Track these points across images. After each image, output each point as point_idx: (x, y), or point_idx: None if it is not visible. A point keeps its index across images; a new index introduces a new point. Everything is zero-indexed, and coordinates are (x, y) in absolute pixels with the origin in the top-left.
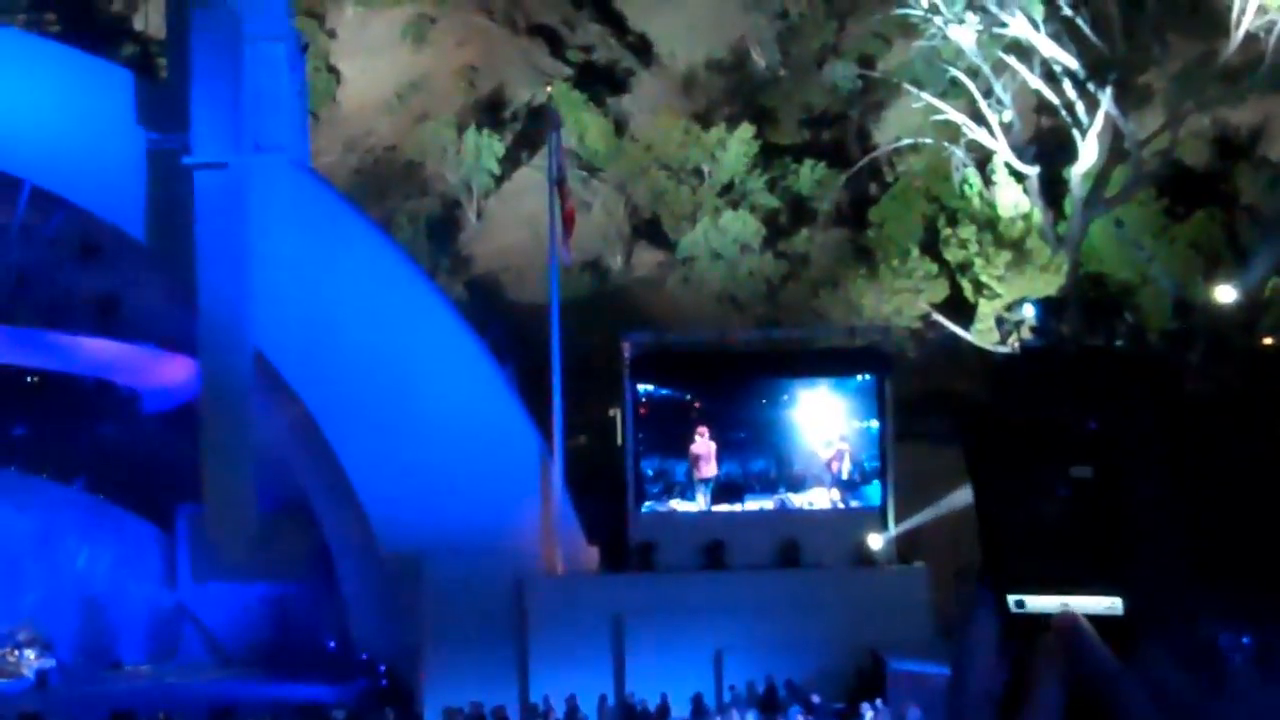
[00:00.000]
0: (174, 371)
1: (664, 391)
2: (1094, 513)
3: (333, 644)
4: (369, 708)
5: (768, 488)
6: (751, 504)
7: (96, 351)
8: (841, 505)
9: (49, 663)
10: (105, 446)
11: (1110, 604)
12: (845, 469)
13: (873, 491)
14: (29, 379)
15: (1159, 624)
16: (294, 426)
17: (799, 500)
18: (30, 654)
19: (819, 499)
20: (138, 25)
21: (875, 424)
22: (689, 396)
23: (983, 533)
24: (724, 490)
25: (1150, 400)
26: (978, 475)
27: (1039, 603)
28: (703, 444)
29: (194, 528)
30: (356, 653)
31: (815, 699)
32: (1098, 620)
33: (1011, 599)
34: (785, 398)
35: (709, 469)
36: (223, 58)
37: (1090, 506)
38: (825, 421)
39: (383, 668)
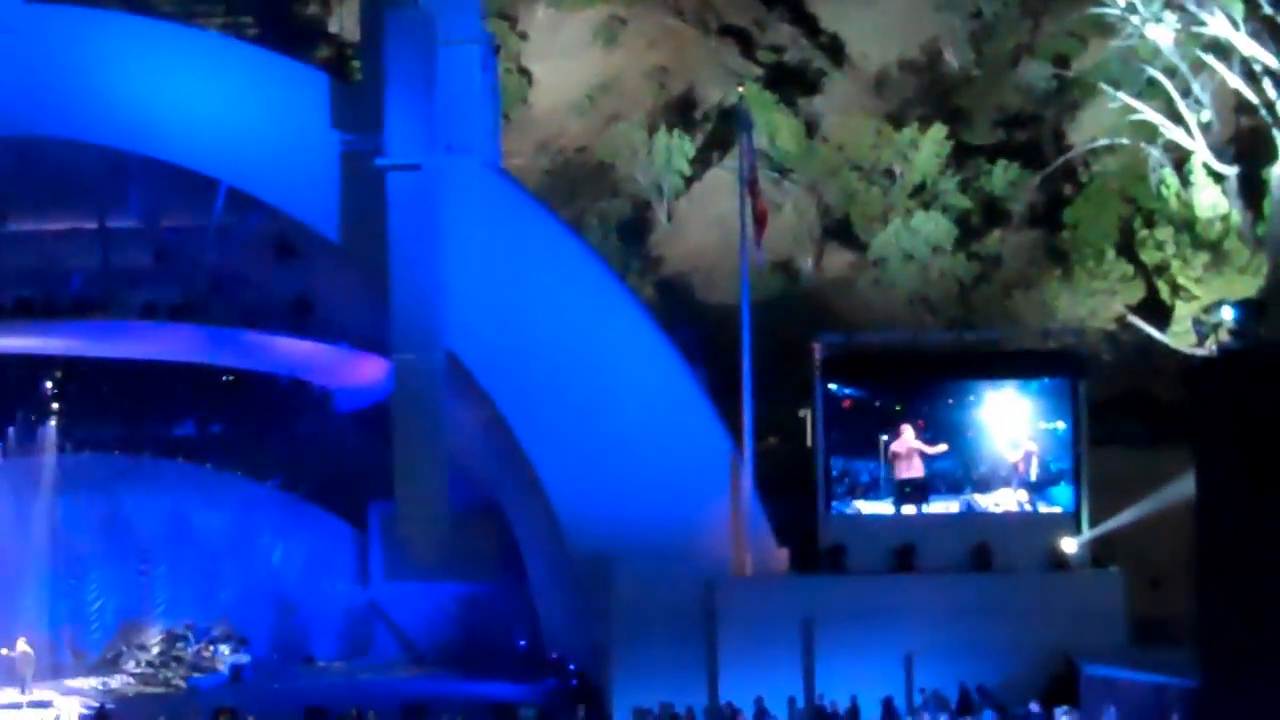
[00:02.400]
0: (367, 371)
1: (857, 392)
2: None
3: (523, 643)
4: (559, 706)
5: (954, 488)
6: (938, 505)
7: (291, 351)
8: (1029, 507)
9: (244, 658)
10: (299, 445)
11: None
12: (1033, 470)
13: (1060, 493)
14: (225, 378)
15: None
16: (485, 426)
17: (985, 501)
18: (225, 649)
19: (1005, 500)
20: (333, 28)
21: (1063, 425)
22: (880, 399)
23: None
24: (911, 491)
25: None
26: None
27: None
28: (903, 443)
29: (386, 526)
30: (546, 652)
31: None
32: None
33: None
34: (973, 399)
35: (909, 469)
36: (416, 60)
37: None
38: (1014, 422)
39: (573, 667)
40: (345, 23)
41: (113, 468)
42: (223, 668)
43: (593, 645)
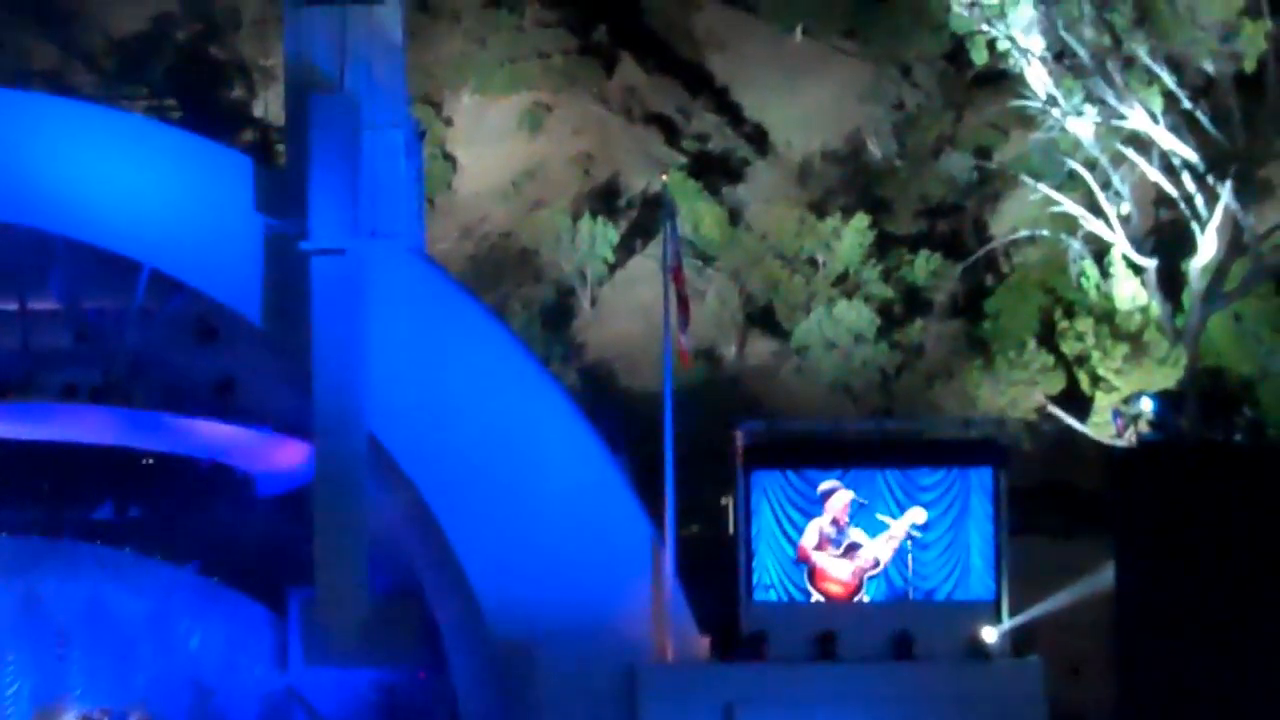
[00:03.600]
0: (288, 455)
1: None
2: None
3: None
4: None
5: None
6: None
7: (212, 434)
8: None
9: None
10: (219, 529)
11: None
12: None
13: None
14: (145, 461)
15: None
16: (407, 512)
17: None
18: None
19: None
20: (257, 112)
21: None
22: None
23: None
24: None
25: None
26: None
27: None
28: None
29: (306, 611)
30: None
31: None
32: None
33: None
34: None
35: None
36: (341, 145)
37: None
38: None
39: None
40: (270, 107)
41: (30, 551)
42: None
43: None
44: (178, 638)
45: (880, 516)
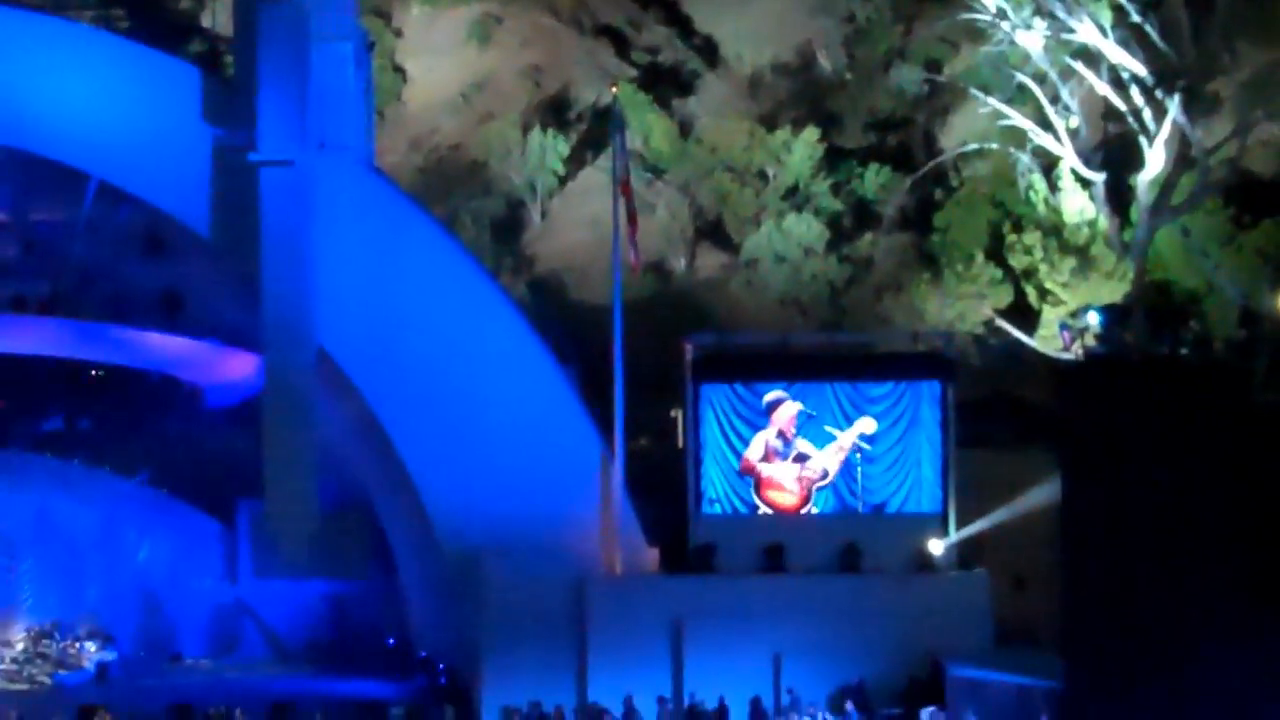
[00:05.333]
0: (237, 367)
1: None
2: None
3: (392, 641)
4: (427, 705)
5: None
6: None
7: (161, 346)
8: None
9: (110, 655)
10: (168, 441)
11: None
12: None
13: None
14: (93, 373)
15: None
16: (356, 424)
17: None
18: (91, 646)
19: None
20: (205, 23)
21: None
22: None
23: None
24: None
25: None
26: None
27: None
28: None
29: (255, 523)
30: (415, 650)
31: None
32: None
33: None
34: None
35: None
36: (289, 56)
37: None
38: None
39: (441, 666)
40: (219, 18)
41: None
42: (88, 665)
43: (462, 644)
44: (127, 549)
45: (828, 428)
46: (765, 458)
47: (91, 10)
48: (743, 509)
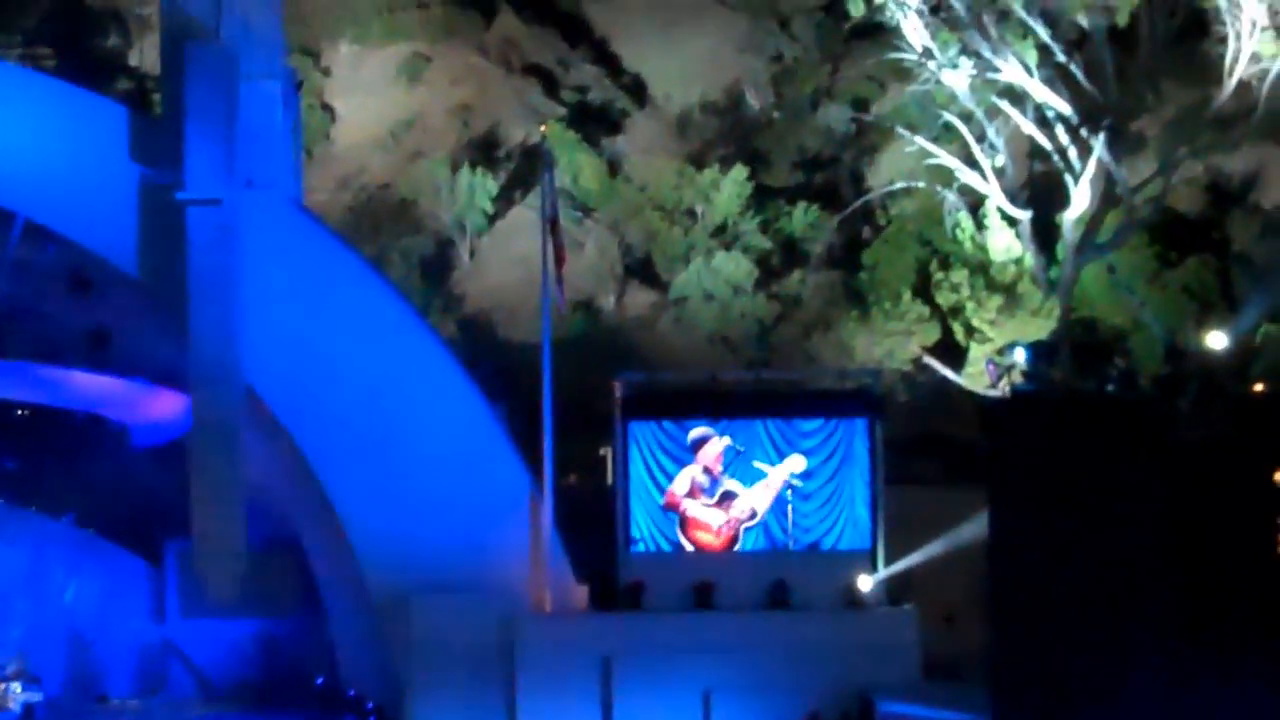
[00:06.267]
0: (164, 406)
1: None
2: None
3: (320, 680)
4: None
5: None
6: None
7: (87, 386)
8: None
9: (36, 696)
10: (95, 481)
11: None
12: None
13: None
14: (19, 413)
15: None
16: (284, 463)
17: None
18: (17, 687)
19: None
20: (133, 61)
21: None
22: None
23: None
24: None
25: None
26: None
27: None
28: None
29: (182, 563)
30: (344, 690)
31: None
32: None
33: None
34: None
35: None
36: (217, 95)
37: None
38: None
39: (370, 705)
40: (146, 56)
41: None
42: (14, 706)
43: (390, 683)
44: (53, 590)
45: (758, 464)
46: (690, 493)
47: (17, 49)
48: (667, 547)
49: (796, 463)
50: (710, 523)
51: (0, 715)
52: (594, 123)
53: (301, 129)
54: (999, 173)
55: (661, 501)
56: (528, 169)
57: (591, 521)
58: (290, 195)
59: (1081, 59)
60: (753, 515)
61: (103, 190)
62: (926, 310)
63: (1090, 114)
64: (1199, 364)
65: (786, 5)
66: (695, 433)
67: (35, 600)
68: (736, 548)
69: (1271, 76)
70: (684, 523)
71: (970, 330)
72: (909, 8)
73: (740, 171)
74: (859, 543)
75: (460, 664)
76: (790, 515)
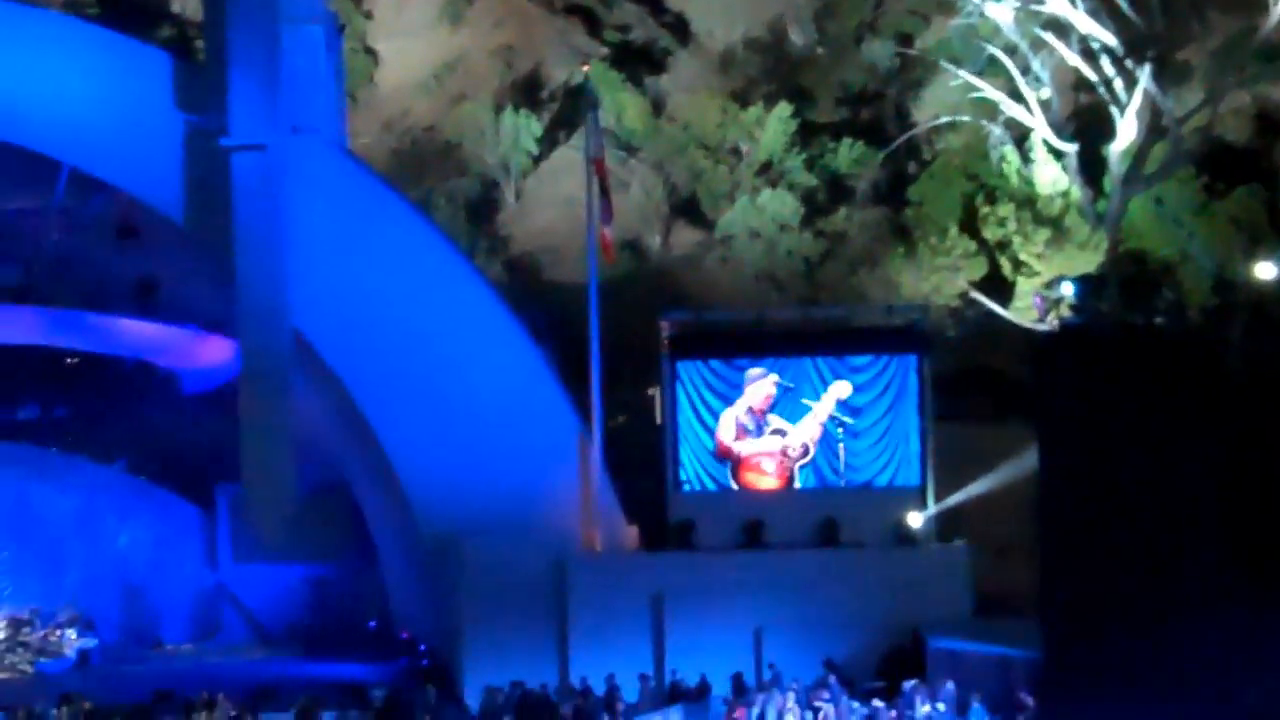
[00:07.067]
0: (213, 352)
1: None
2: None
3: (373, 624)
4: (409, 687)
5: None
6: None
7: (136, 333)
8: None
9: (91, 642)
10: (145, 427)
11: None
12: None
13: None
14: (69, 360)
15: None
16: (333, 407)
17: None
18: (72, 634)
19: None
20: (175, 7)
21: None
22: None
23: None
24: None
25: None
26: None
27: None
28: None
29: (234, 508)
30: (397, 632)
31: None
32: None
33: None
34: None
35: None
36: (260, 40)
37: None
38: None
39: (423, 647)
40: (188, 3)
41: None
42: (69, 652)
43: (443, 625)
44: (106, 536)
45: (805, 401)
46: (737, 436)
47: None
48: (714, 487)
49: (842, 389)
50: (764, 465)
51: (56, 661)
52: (637, 62)
53: (344, 73)
54: (1044, 106)
55: (713, 448)
56: (571, 109)
57: (640, 462)
58: (334, 139)
59: None
60: (805, 452)
61: (148, 138)
62: (973, 245)
63: (1135, 44)
64: (1248, 295)
65: None
66: (752, 372)
67: (88, 547)
68: (795, 486)
69: None
70: (737, 467)
71: (1017, 264)
72: None
73: (784, 108)
74: (909, 479)
75: (512, 605)
76: (842, 454)
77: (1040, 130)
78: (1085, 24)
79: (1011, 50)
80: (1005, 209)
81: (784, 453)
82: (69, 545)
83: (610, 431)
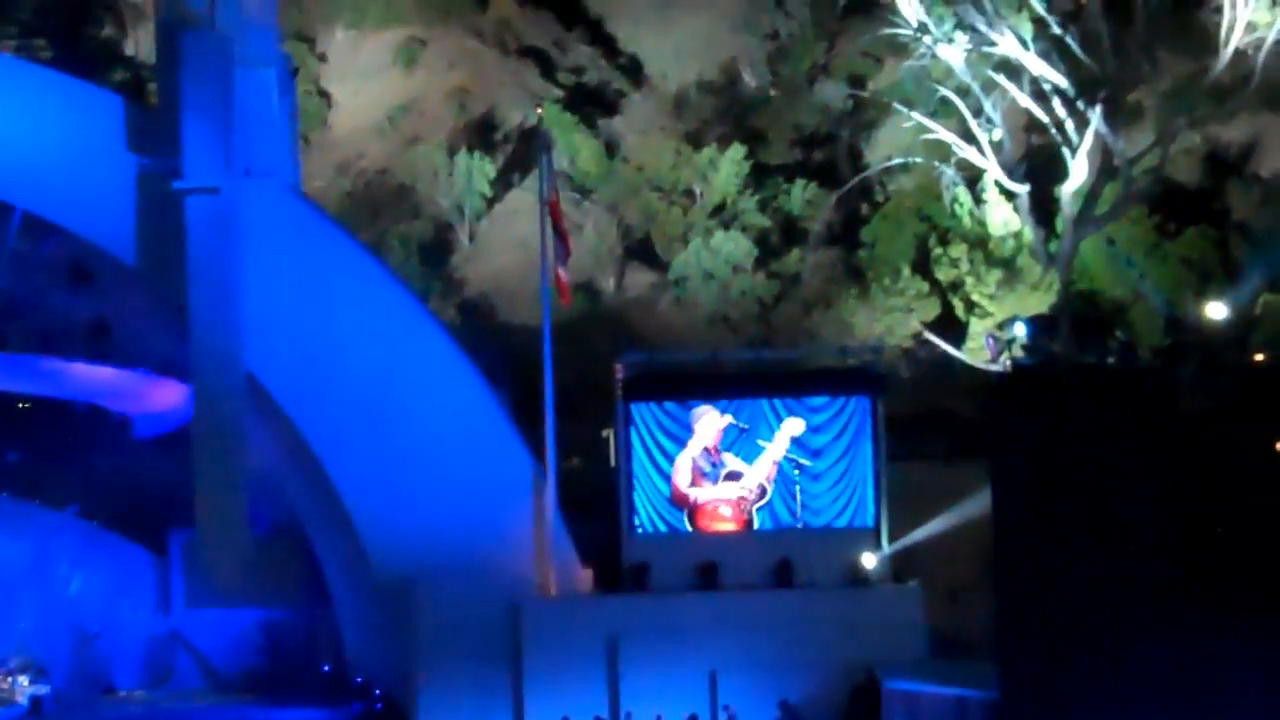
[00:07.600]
0: (166, 396)
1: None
2: None
3: (327, 668)
4: None
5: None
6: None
7: (88, 377)
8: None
9: (43, 689)
10: (98, 472)
11: None
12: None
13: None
14: (21, 405)
15: None
16: (287, 450)
17: None
18: (24, 680)
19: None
20: (128, 51)
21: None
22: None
23: None
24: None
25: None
26: None
27: None
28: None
29: (187, 553)
30: (351, 676)
31: None
32: None
33: None
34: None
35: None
36: (213, 82)
37: None
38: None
39: (378, 691)
40: (141, 45)
41: None
42: (21, 699)
43: (397, 669)
44: (58, 582)
45: (760, 441)
46: (693, 482)
47: (13, 40)
48: (668, 529)
49: (795, 425)
50: (723, 510)
51: (8, 709)
52: (591, 104)
53: (298, 116)
54: (996, 147)
55: (668, 494)
56: (525, 152)
57: (595, 504)
58: (288, 182)
59: (1077, 31)
60: (762, 493)
61: (100, 181)
62: (926, 286)
63: (1087, 86)
64: (1199, 335)
65: None
66: (698, 410)
67: (41, 593)
68: (754, 528)
69: (1267, 45)
70: (695, 513)
71: (970, 305)
72: None
73: (738, 150)
74: (866, 521)
75: (466, 647)
76: (799, 496)
77: (992, 171)
78: (1037, 66)
79: (964, 92)
80: (958, 250)
81: (741, 499)
82: (21, 591)
83: (565, 473)
